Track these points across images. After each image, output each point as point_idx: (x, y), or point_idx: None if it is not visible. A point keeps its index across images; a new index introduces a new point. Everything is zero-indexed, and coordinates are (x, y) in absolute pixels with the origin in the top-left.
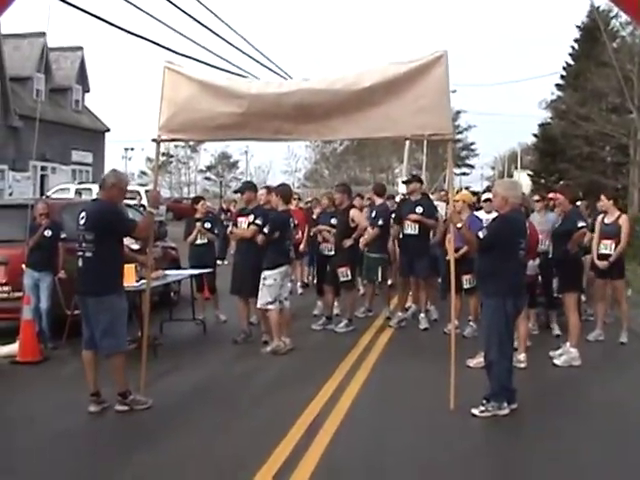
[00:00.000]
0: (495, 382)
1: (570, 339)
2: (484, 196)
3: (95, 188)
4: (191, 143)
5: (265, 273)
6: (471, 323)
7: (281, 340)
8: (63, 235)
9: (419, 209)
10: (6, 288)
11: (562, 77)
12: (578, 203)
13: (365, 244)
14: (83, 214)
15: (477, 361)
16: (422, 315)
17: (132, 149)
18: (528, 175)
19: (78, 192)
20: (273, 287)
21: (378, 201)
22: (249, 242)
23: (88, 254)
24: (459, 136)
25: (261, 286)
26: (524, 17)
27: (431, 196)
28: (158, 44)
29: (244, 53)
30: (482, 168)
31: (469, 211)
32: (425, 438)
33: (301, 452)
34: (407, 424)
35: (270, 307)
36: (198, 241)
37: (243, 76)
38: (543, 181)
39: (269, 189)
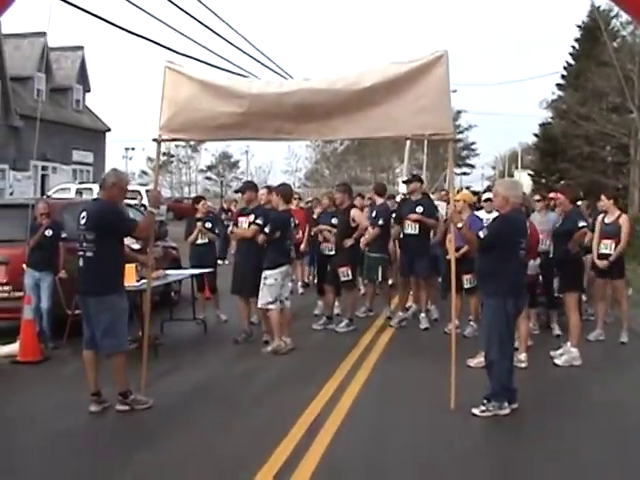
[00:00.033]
0: (496, 382)
1: (571, 339)
2: (485, 196)
3: (96, 188)
4: (192, 143)
5: (266, 273)
6: (472, 323)
7: (282, 340)
8: (64, 235)
9: (419, 209)
10: (7, 288)
11: (563, 77)
12: (579, 203)
13: (366, 244)
14: (84, 214)
15: (477, 361)
16: (423, 315)
17: (133, 149)
18: (529, 175)
19: (79, 192)
20: (274, 287)
21: (379, 201)
22: (250, 242)
23: (89, 254)
24: (460, 136)
25: (262, 286)
26: (525, 17)
27: (432, 196)
28: (159, 44)
29: (245, 53)
30: (483, 168)
31: (470, 211)
32: (425, 438)
33: (302, 452)
34: (408, 424)
35: (271, 307)
36: (199, 241)
37: (244, 76)
38: (544, 181)
39: (270, 189)
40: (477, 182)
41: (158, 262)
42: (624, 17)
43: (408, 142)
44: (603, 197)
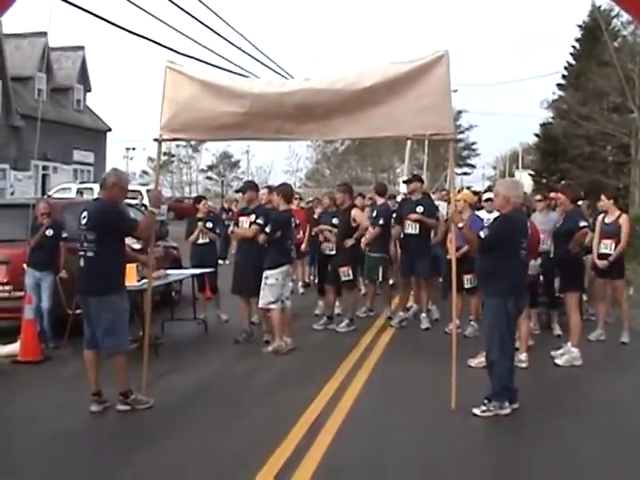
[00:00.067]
0: (496, 382)
1: (571, 339)
2: (485, 196)
3: (96, 188)
4: (192, 143)
5: (267, 273)
6: (472, 323)
7: (282, 340)
8: (64, 235)
9: (420, 209)
10: (7, 287)
11: (563, 77)
12: (579, 203)
13: (366, 244)
14: (85, 214)
15: (478, 361)
16: (423, 315)
17: (133, 149)
18: (529, 175)
19: (79, 192)
20: (275, 287)
21: (379, 201)
22: (250, 242)
23: (90, 254)
24: (460, 136)
25: (263, 286)
26: (525, 17)
27: (432, 195)
28: (159, 44)
29: (245, 53)
30: (483, 168)
31: (470, 211)
32: (426, 437)
33: (303, 451)
34: (408, 424)
35: (272, 307)
36: (200, 241)
37: (245, 76)
38: (544, 181)
39: (270, 189)
40: (478, 182)
41: (159, 262)
42: (625, 17)
43: (409, 142)
44: (603, 197)
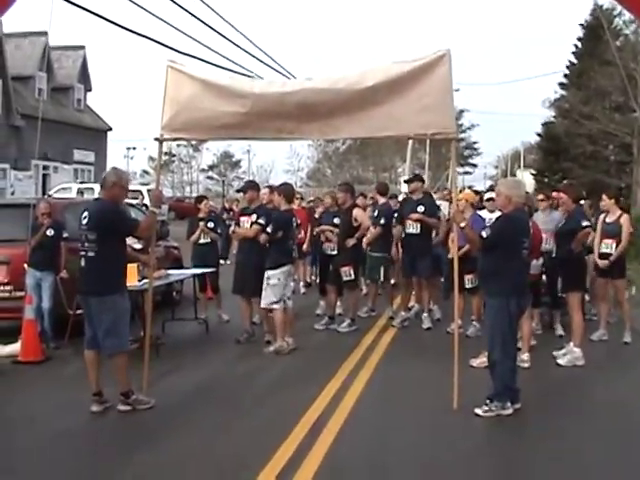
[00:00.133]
0: (499, 382)
1: (574, 339)
2: (487, 195)
3: (97, 187)
4: (193, 142)
5: (268, 273)
6: (474, 323)
7: (284, 340)
8: (65, 234)
9: (421, 208)
10: (8, 287)
11: (565, 76)
12: (582, 202)
13: (368, 243)
14: (85, 214)
15: (480, 361)
16: (425, 315)
17: (134, 148)
18: (531, 174)
19: (80, 191)
20: (277, 287)
21: (381, 200)
22: (252, 241)
23: (90, 254)
24: (462, 135)
25: (265, 286)
26: (527, 16)
27: (434, 195)
28: (161, 43)
29: (247, 52)
30: (485, 167)
31: (472, 210)
32: (428, 438)
33: (304, 451)
34: (410, 424)
35: (275, 307)
36: (201, 240)
37: (246, 75)
38: (546, 180)
39: (272, 188)
40: (479, 181)
41: (160, 262)
42: (627, 16)
43: (410, 141)
44: (604, 197)
